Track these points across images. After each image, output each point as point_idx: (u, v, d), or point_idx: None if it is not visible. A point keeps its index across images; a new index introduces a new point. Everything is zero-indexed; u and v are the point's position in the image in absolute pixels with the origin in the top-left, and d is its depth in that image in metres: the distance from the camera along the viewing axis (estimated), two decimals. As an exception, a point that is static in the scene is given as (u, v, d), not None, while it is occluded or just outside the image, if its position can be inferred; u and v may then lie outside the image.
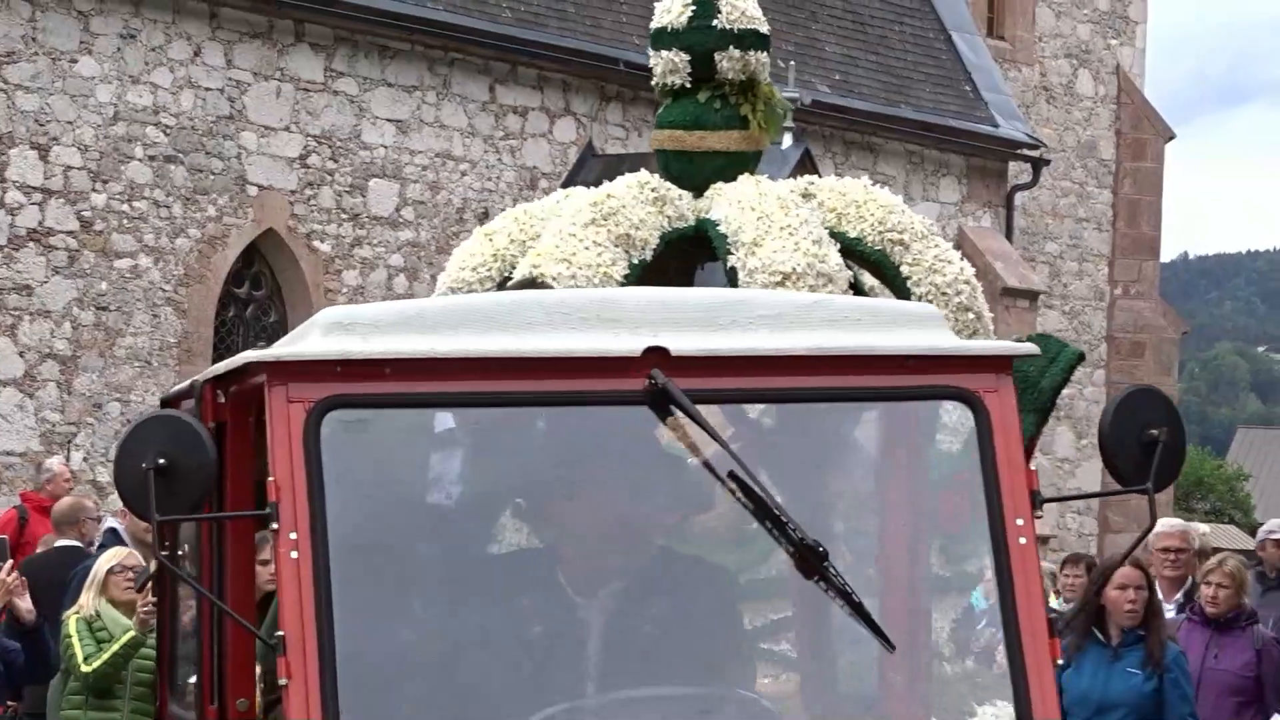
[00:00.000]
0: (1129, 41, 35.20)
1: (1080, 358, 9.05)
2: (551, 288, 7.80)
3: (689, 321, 5.69)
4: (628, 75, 26.59)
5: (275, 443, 5.27)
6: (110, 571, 12.55)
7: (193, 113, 25.21)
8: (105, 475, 23.81)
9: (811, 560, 5.53)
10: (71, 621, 12.45)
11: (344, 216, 26.51)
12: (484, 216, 24.69)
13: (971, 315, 8.75)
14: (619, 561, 5.89)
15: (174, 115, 25.03)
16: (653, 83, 8.75)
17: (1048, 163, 33.97)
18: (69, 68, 24.27)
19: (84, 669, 12.26)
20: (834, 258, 8.34)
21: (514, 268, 8.10)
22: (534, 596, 5.80)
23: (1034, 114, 34.45)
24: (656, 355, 5.51)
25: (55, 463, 20.64)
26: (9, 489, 22.62)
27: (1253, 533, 24.88)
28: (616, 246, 7.85)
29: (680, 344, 5.56)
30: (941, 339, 5.98)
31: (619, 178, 8.55)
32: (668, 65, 8.41)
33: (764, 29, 8.67)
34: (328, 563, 5.22)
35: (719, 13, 8.40)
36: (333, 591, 5.20)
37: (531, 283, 7.83)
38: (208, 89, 25.33)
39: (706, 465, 5.66)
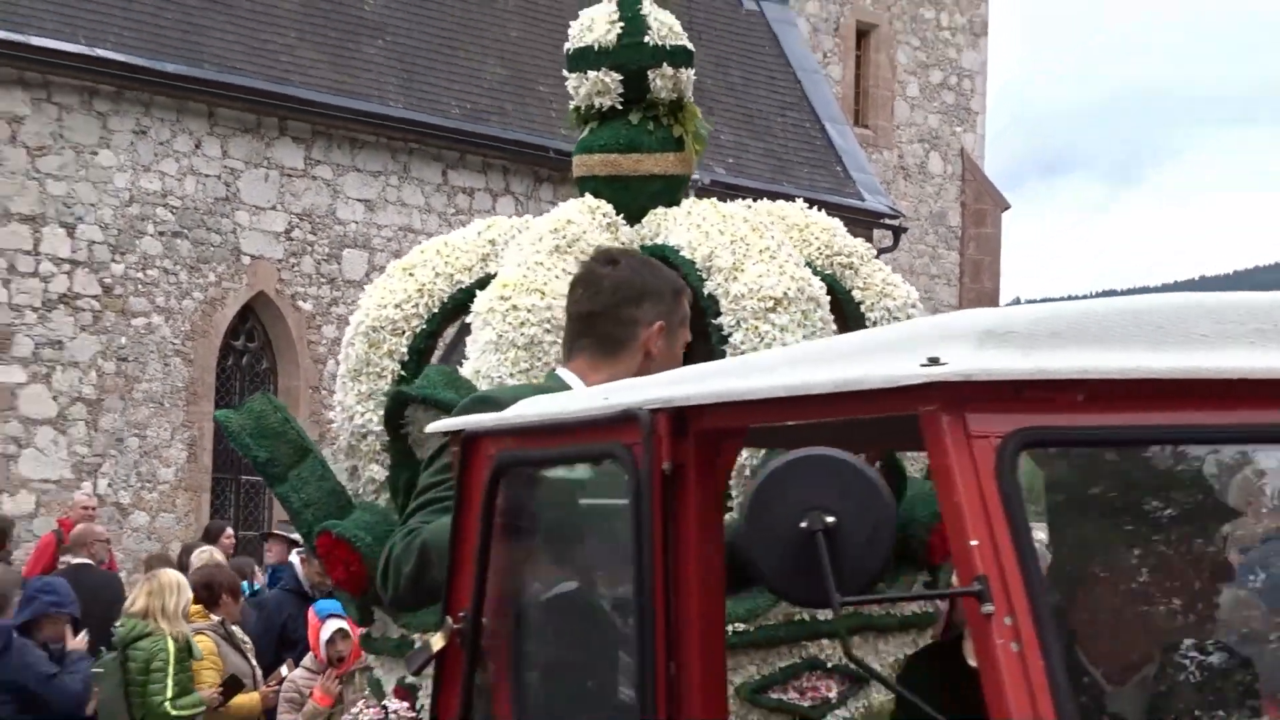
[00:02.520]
0: (971, 128, 34.99)
1: None
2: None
3: None
4: (556, 160, 26.12)
5: (963, 494, 3.10)
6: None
7: (195, 195, 24.85)
8: (127, 498, 23.86)
9: None
10: (171, 647, 10.84)
11: (323, 280, 26.11)
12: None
13: None
14: None
15: (179, 198, 24.69)
16: (572, 105, 7.07)
17: (905, 230, 33.64)
18: (91, 159, 23.94)
19: (170, 711, 10.73)
20: (816, 280, 6.76)
21: (443, 302, 6.77)
22: None
23: (893, 190, 34.14)
24: None
25: (80, 495, 20.83)
26: (46, 511, 22.21)
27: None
28: None
29: None
30: None
31: (566, 202, 6.97)
32: (595, 86, 6.84)
33: (690, 45, 7.10)
34: (1064, 658, 3.06)
35: (649, 29, 6.85)
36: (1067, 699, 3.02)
37: None
38: (207, 175, 24.97)
39: None
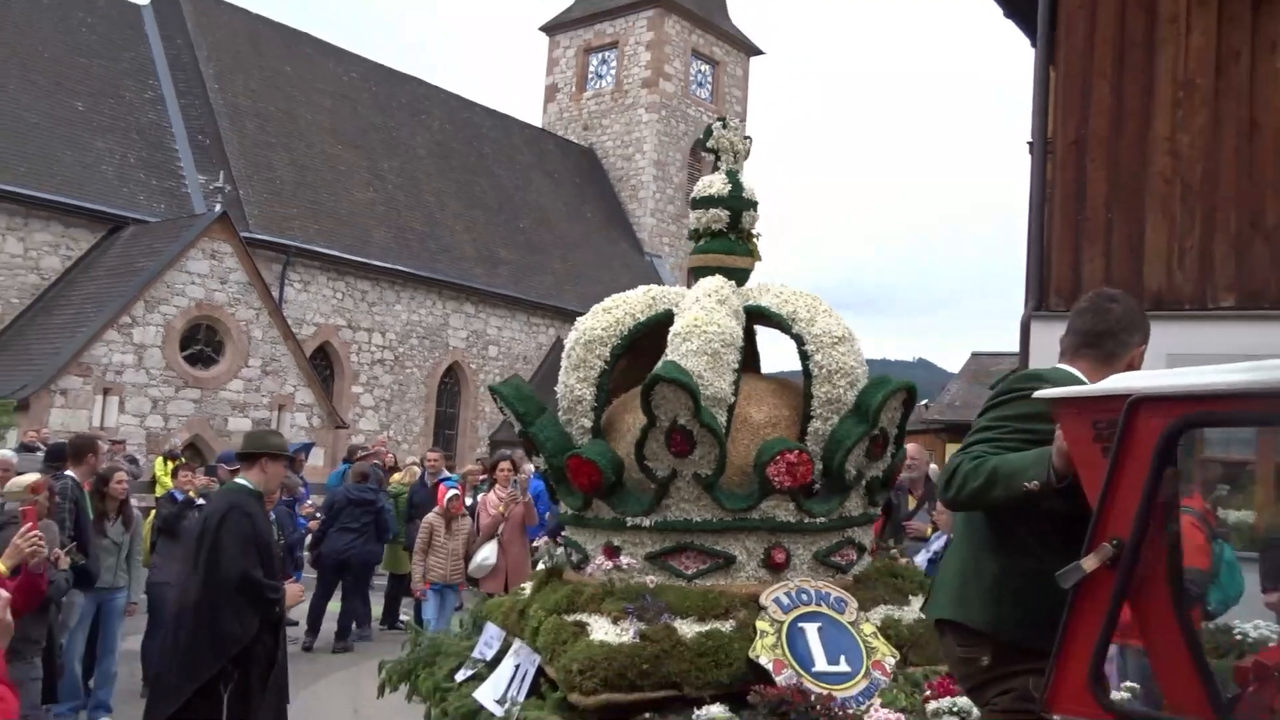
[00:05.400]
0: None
1: (911, 388, 4.36)
2: None
3: None
4: (574, 313, 24.28)
5: None
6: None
7: (429, 322, 22.28)
8: (400, 439, 21.09)
9: None
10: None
11: (480, 359, 23.37)
12: (518, 361, 22.53)
13: (862, 371, 4.52)
14: None
15: (425, 325, 22.10)
16: (692, 227, 5.03)
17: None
18: (388, 308, 21.37)
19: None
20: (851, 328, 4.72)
21: (629, 330, 4.63)
22: None
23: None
24: None
25: (380, 437, 18.87)
26: (366, 442, 18.72)
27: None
28: (733, 318, 4.55)
29: None
30: None
31: (707, 279, 4.90)
32: (713, 218, 4.90)
33: (758, 199, 5.15)
34: None
35: (744, 189, 4.97)
36: None
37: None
38: (434, 315, 22.41)
39: None
